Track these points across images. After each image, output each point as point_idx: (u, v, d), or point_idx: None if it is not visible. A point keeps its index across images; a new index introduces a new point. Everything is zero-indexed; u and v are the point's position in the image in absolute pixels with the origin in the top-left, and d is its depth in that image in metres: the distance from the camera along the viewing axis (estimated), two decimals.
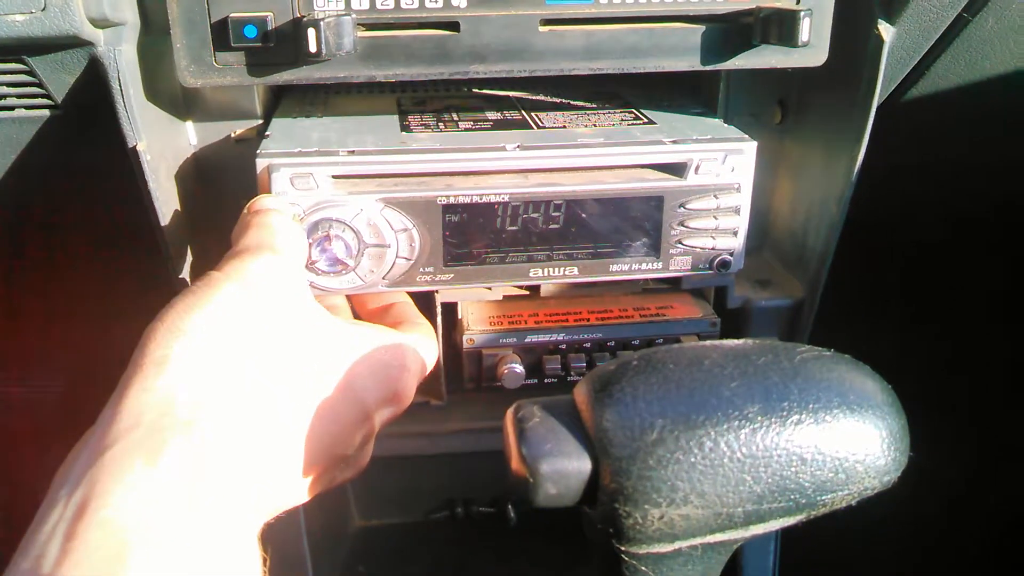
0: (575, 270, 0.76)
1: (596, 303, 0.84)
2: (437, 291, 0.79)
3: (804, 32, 0.67)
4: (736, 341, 0.47)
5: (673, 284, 0.83)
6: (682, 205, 0.74)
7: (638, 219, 0.74)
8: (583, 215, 0.73)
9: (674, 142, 0.74)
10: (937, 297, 1.17)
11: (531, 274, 0.75)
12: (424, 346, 0.70)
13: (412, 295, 0.77)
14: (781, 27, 0.68)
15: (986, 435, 1.24)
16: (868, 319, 1.12)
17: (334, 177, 0.70)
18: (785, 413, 0.42)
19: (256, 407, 0.55)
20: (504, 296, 0.82)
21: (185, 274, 0.79)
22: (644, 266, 0.76)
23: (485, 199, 0.72)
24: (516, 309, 0.83)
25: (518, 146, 0.73)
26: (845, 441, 0.43)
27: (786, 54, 0.72)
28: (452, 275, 0.74)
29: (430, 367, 0.71)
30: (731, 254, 0.76)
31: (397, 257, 0.72)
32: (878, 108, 0.75)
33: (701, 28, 0.71)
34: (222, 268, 0.60)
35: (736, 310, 0.85)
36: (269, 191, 0.70)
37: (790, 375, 0.44)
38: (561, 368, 0.82)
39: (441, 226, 0.72)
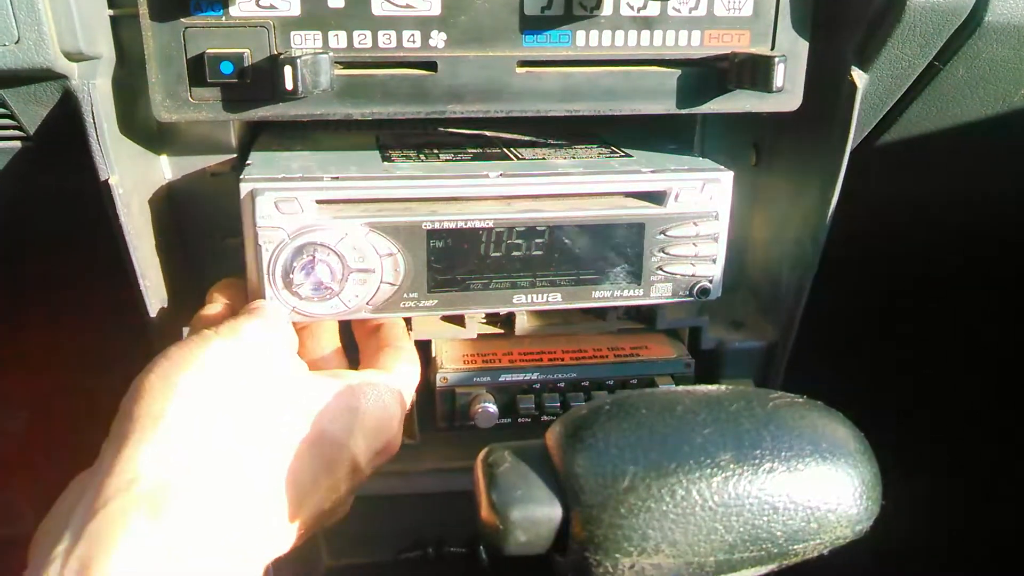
0: (558, 296, 0.76)
1: (570, 342, 0.84)
2: (411, 329, 0.79)
3: (779, 78, 0.68)
4: (709, 387, 0.47)
5: (648, 324, 0.83)
6: (662, 232, 0.75)
7: (619, 246, 0.75)
8: (565, 242, 0.74)
9: (654, 171, 0.75)
10: (910, 339, 1.17)
11: (515, 300, 0.75)
12: (408, 380, 0.71)
13: None
14: (756, 72, 0.69)
15: (961, 478, 1.24)
16: (843, 361, 1.12)
17: (318, 202, 0.70)
18: (757, 461, 0.42)
19: (248, 463, 0.56)
20: (479, 335, 0.82)
21: (158, 306, 0.78)
22: (626, 292, 0.76)
23: (469, 224, 0.72)
24: (490, 348, 0.83)
25: (501, 174, 0.73)
26: (817, 490, 0.43)
27: (761, 99, 0.72)
28: (436, 301, 0.74)
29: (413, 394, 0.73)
30: (710, 281, 0.77)
31: (382, 282, 0.72)
32: (851, 152, 0.76)
33: (677, 72, 0.71)
34: (215, 327, 0.62)
35: (710, 351, 0.85)
36: (253, 216, 0.69)
37: (763, 422, 0.44)
38: (535, 408, 0.81)
39: (426, 251, 0.72)
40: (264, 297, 0.70)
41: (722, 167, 0.76)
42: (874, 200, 0.83)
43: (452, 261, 0.73)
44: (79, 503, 0.51)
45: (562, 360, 0.82)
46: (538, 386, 0.81)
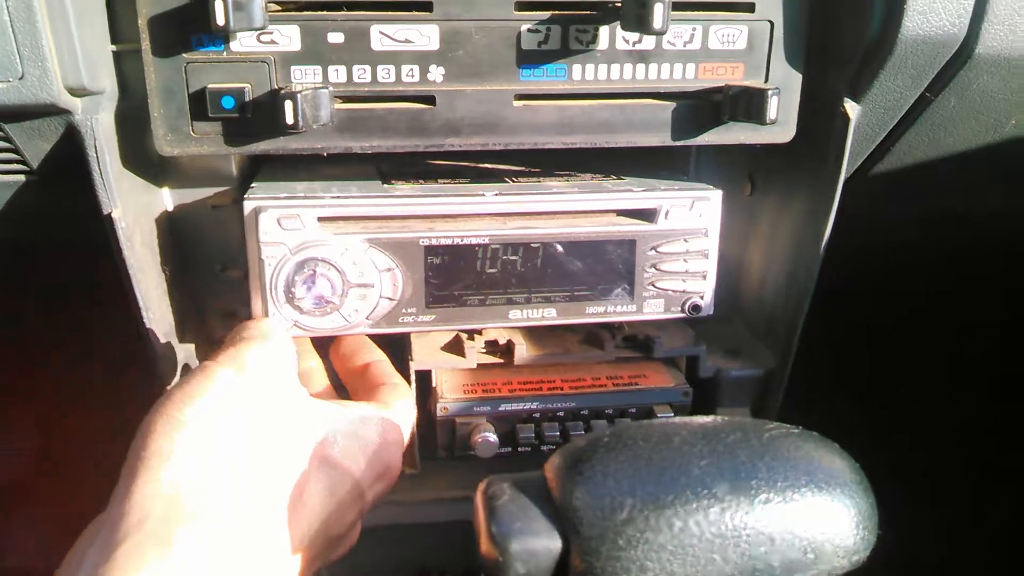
0: (553, 312, 0.77)
1: (569, 372, 0.84)
2: (412, 359, 0.79)
3: (772, 110, 0.69)
4: (706, 418, 0.48)
5: (646, 353, 0.84)
6: (654, 248, 0.76)
7: (612, 262, 0.76)
8: (560, 258, 0.75)
9: (644, 190, 0.77)
10: (904, 369, 1.18)
11: (510, 316, 0.77)
12: (406, 415, 0.72)
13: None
14: (750, 105, 0.70)
15: (954, 508, 1.24)
16: (838, 389, 1.13)
17: (320, 219, 0.71)
18: (754, 492, 0.43)
19: (256, 493, 0.57)
20: (478, 364, 0.82)
21: (162, 338, 0.78)
22: (619, 308, 0.78)
23: (466, 241, 0.74)
24: (490, 377, 0.83)
25: (497, 192, 0.75)
26: (814, 520, 0.43)
27: (754, 130, 0.73)
28: (434, 316, 0.75)
29: (412, 428, 0.73)
30: (701, 297, 0.79)
31: (381, 297, 0.73)
32: (844, 182, 0.77)
33: (672, 104, 0.73)
34: (217, 357, 0.62)
35: (708, 379, 0.85)
36: (256, 232, 0.71)
37: (759, 453, 0.44)
38: (535, 437, 0.82)
39: (423, 267, 0.73)
40: (267, 313, 0.71)
41: (711, 187, 0.78)
42: (868, 228, 0.84)
43: (449, 277, 0.74)
44: (91, 547, 0.52)
45: (561, 389, 0.82)
46: (538, 415, 0.82)
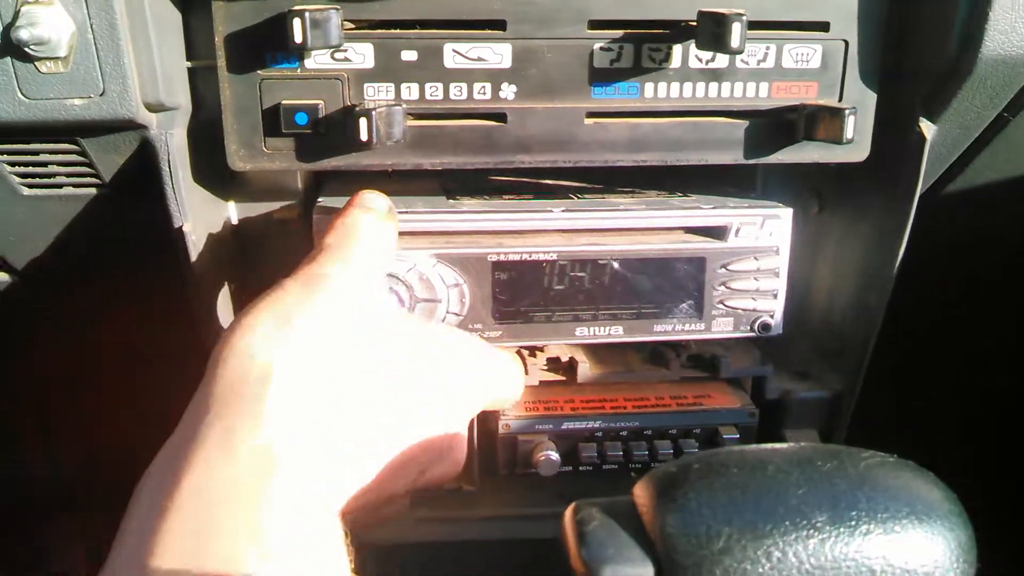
0: (620, 329, 0.77)
1: (633, 391, 0.83)
2: None
3: (849, 129, 0.68)
4: (796, 445, 0.47)
5: (711, 373, 0.83)
6: (724, 266, 0.76)
7: (681, 280, 0.75)
8: (628, 275, 0.75)
9: (714, 208, 0.76)
10: (976, 393, 1.15)
11: (577, 332, 0.76)
12: (510, 364, 0.70)
13: None
14: (826, 124, 0.69)
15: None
16: (910, 412, 1.11)
17: None
18: (854, 523, 0.42)
19: (359, 400, 0.54)
20: (540, 382, 0.82)
21: None
22: (687, 327, 0.77)
23: (534, 257, 0.74)
24: (552, 395, 0.82)
25: (564, 209, 0.75)
26: (915, 553, 0.42)
27: (828, 150, 0.72)
28: (500, 332, 0.75)
29: (516, 386, 0.70)
30: (771, 316, 0.78)
31: (447, 312, 0.73)
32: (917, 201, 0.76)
33: (745, 123, 0.72)
34: (326, 257, 0.59)
35: (774, 401, 0.84)
36: None
37: (857, 483, 0.43)
38: (597, 456, 0.81)
39: (491, 283, 0.73)
40: None
41: (780, 204, 0.77)
42: (940, 248, 0.82)
43: (516, 293, 0.74)
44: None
45: (624, 408, 0.81)
46: (600, 434, 0.81)
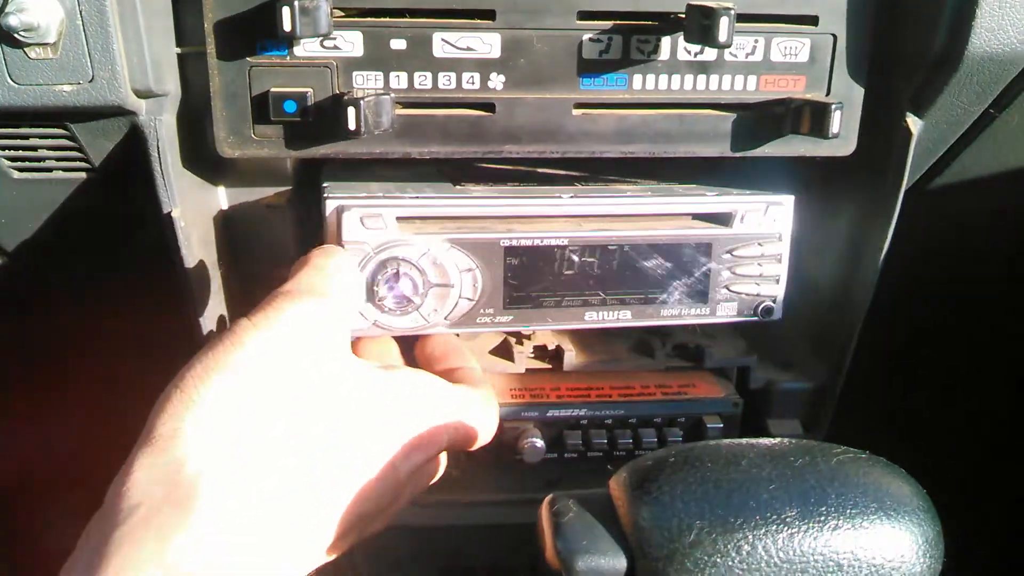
0: (628, 314, 0.77)
1: (618, 379, 0.84)
2: None
3: (835, 124, 0.68)
4: (772, 440, 0.47)
5: (696, 362, 0.83)
6: (729, 252, 0.76)
7: (688, 265, 0.76)
8: (636, 260, 0.75)
9: (719, 195, 0.77)
10: (958, 385, 1.16)
11: (586, 317, 0.77)
12: (474, 405, 0.66)
13: None
14: (812, 118, 0.70)
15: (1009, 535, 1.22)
16: (890, 404, 1.11)
17: (399, 219, 0.72)
18: (823, 518, 0.42)
19: (278, 474, 0.53)
20: (527, 369, 0.82)
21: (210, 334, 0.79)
22: (693, 311, 0.78)
23: (545, 242, 0.74)
24: (538, 383, 0.83)
25: (573, 195, 0.75)
26: (881, 547, 0.43)
27: (815, 144, 0.73)
28: (512, 316, 0.75)
29: (479, 428, 0.67)
30: (774, 301, 0.79)
31: (460, 297, 0.73)
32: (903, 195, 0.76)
33: (732, 116, 0.72)
34: (255, 314, 0.57)
35: (758, 391, 0.85)
36: (338, 232, 0.71)
37: (827, 478, 0.44)
38: (582, 443, 0.82)
39: (503, 267, 0.73)
40: None
41: (782, 191, 0.78)
42: (924, 242, 0.83)
43: (527, 278, 0.74)
44: (92, 533, 0.49)
45: (610, 396, 0.82)
46: (585, 422, 0.82)
